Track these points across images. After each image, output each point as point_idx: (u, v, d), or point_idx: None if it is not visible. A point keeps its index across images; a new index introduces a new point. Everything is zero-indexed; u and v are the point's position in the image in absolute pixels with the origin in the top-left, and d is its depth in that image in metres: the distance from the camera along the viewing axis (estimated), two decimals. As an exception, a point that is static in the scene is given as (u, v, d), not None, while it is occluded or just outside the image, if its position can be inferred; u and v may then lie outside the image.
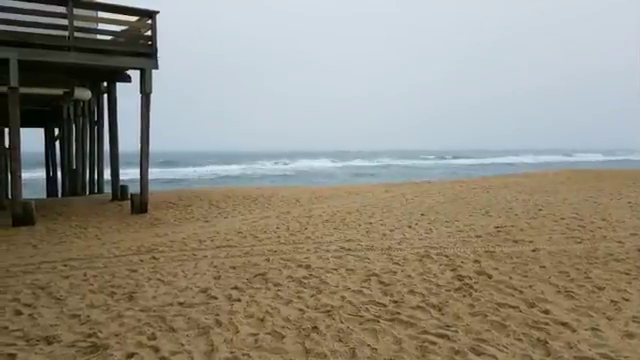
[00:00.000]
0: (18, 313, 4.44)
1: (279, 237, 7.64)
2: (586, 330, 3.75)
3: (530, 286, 4.83)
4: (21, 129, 9.81)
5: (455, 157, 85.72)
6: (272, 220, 9.35)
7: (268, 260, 6.17)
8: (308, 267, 5.76)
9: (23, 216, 9.55)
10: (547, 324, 3.87)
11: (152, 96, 11.13)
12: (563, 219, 8.56)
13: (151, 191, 11.96)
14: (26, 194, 11.16)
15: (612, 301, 4.36)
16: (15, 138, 9.70)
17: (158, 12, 10.91)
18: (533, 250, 6.30)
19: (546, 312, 4.14)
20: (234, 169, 50.23)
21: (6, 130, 12.61)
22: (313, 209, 10.73)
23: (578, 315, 4.06)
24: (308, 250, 6.69)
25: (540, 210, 9.66)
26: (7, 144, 12.25)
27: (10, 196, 11.44)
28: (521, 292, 4.66)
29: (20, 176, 9.82)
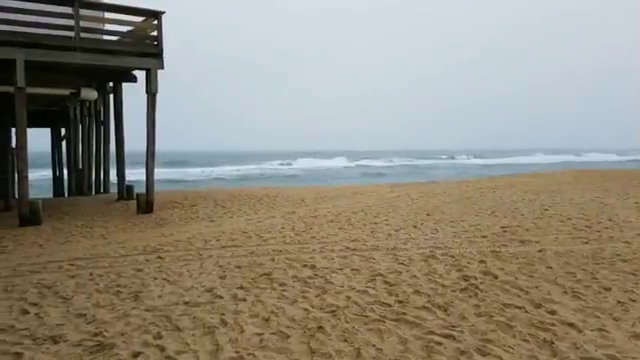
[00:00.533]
0: (25, 312, 4.47)
1: (284, 237, 7.65)
2: (592, 331, 3.73)
3: (536, 286, 4.81)
4: (28, 129, 9.87)
5: (469, 157, 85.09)
6: (277, 220, 9.36)
7: (273, 260, 6.17)
8: (313, 267, 5.77)
9: (30, 216, 9.60)
10: (553, 325, 3.85)
11: (161, 95, 11.18)
12: (569, 219, 8.51)
13: (157, 191, 12.01)
14: (33, 194, 11.23)
15: (619, 302, 4.34)
16: (22, 138, 9.76)
17: (164, 12, 10.94)
18: (539, 250, 6.27)
19: (552, 313, 4.12)
20: (243, 169, 50.23)
21: (13, 130, 12.70)
22: (318, 209, 10.73)
23: (584, 316, 4.04)
24: (313, 250, 6.69)
25: (546, 210, 9.61)
26: (14, 144, 12.33)
27: (17, 196, 11.50)
28: (527, 292, 4.64)
29: (27, 176, 9.88)
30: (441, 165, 62.87)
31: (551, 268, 5.45)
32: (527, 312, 4.14)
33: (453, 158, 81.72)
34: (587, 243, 6.66)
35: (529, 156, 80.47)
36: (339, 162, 63.56)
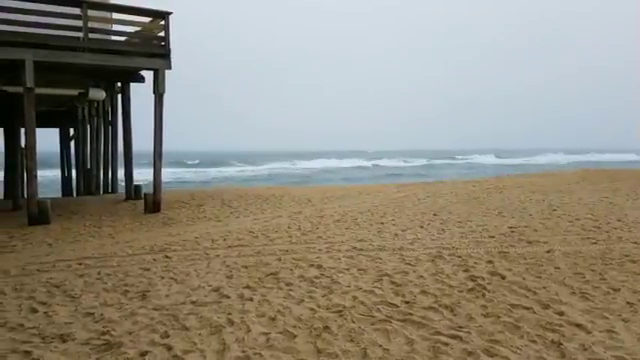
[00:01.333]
0: (34, 311, 4.50)
1: (291, 237, 7.66)
2: (601, 332, 3.70)
3: (544, 287, 4.78)
4: (37, 129, 9.95)
5: (488, 155, 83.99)
6: (284, 220, 9.37)
7: (280, 260, 6.18)
8: (320, 267, 5.77)
9: (39, 215, 9.68)
10: (561, 326, 3.83)
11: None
12: (578, 219, 8.45)
13: (164, 190, 12.06)
14: (41, 193, 11.32)
15: (628, 303, 4.30)
16: (31, 138, 9.84)
17: (171, 13, 10.99)
18: (547, 251, 6.23)
19: (560, 313, 4.09)
20: (250, 170, 50.17)
21: (22, 130, 12.81)
22: (324, 209, 10.73)
23: (593, 317, 4.01)
24: (320, 250, 6.69)
25: (554, 210, 9.55)
26: (23, 144, 12.45)
27: (26, 195, 11.60)
28: (535, 293, 4.61)
29: (36, 175, 9.96)
30: (457, 165, 62.13)
31: (559, 269, 5.41)
32: (535, 313, 4.12)
33: (467, 158, 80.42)
34: (596, 244, 6.61)
35: (545, 156, 79.22)
36: (353, 163, 62.67)
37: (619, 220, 8.31)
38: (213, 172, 45.98)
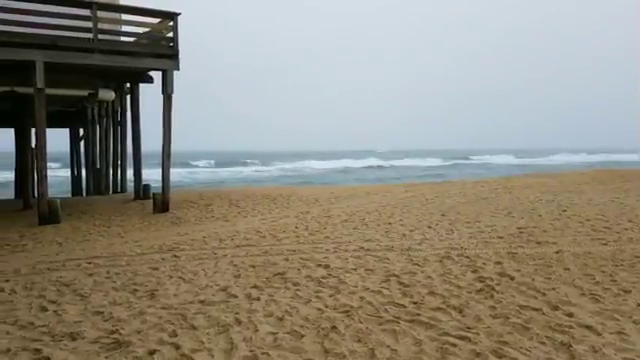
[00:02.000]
0: (43, 309, 4.54)
1: (298, 237, 7.66)
2: (611, 334, 3.66)
3: (553, 288, 4.74)
4: (47, 129, 10.04)
5: (507, 155, 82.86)
6: (291, 220, 9.38)
7: (287, 259, 6.18)
8: (327, 267, 5.76)
9: (49, 214, 9.77)
10: (571, 327, 3.79)
11: (174, 96, 11.27)
12: (588, 220, 8.37)
13: (172, 190, 12.13)
14: (51, 193, 11.42)
15: (639, 304, 4.26)
16: (42, 138, 9.94)
17: (179, 14, 11.04)
18: (557, 252, 6.18)
19: (570, 315, 4.06)
20: (261, 170, 50.11)
21: (33, 130, 12.93)
22: (332, 209, 10.72)
23: (603, 318, 3.97)
24: (327, 250, 6.69)
25: (564, 211, 9.47)
26: (34, 144, 12.57)
27: (36, 195, 11.71)
28: (544, 294, 4.58)
29: (46, 175, 10.05)
30: (473, 164, 61.41)
31: (569, 270, 5.37)
32: (544, 314, 4.09)
33: (482, 158, 78.85)
34: (606, 244, 6.54)
35: (567, 156, 77.74)
36: (368, 162, 61.74)
37: (630, 221, 8.22)
38: (224, 172, 45.90)
